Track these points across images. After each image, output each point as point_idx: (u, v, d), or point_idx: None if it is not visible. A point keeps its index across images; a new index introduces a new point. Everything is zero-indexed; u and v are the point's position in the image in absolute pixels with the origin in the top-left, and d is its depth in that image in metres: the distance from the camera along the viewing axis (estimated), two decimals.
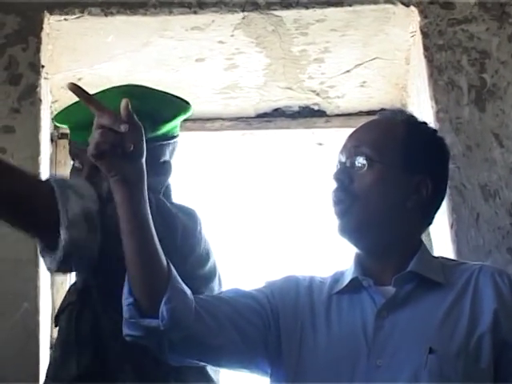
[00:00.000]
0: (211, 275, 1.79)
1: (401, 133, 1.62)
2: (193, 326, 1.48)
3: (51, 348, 2.43)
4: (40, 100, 2.46)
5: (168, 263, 1.49)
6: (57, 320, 1.78)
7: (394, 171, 1.57)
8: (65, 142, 2.44)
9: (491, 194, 2.33)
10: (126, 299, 1.47)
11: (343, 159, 1.61)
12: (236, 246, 2.76)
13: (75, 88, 1.42)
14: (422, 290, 1.54)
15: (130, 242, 1.45)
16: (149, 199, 1.47)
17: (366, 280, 1.56)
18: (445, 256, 1.85)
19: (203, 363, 1.59)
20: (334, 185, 1.59)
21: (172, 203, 1.76)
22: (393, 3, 2.55)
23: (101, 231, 1.58)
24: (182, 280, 1.51)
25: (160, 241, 1.48)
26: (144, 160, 1.44)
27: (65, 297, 1.80)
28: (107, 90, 1.81)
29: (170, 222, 1.66)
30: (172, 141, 1.83)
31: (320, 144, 2.86)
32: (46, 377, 1.75)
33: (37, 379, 2.21)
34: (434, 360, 1.44)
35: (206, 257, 1.78)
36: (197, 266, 1.73)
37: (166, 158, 1.82)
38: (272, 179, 2.92)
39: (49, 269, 1.63)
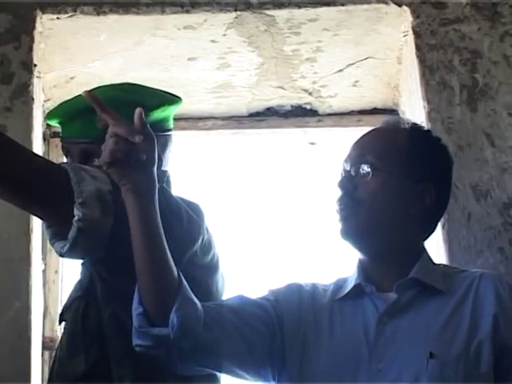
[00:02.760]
0: (214, 266, 1.79)
1: (405, 141, 1.63)
2: (202, 335, 1.48)
3: (43, 347, 2.42)
4: (32, 99, 2.45)
5: (178, 272, 1.50)
6: (61, 318, 1.78)
7: (398, 179, 1.59)
8: (57, 141, 2.44)
9: (483, 194, 2.34)
10: (135, 309, 1.48)
11: (348, 167, 1.62)
12: (228, 244, 2.76)
13: (90, 96, 1.45)
14: (424, 297, 1.55)
15: (140, 251, 1.47)
16: None
17: (369, 286, 1.58)
18: (443, 262, 1.86)
19: (210, 371, 1.59)
20: (338, 193, 1.60)
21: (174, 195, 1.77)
22: (385, 3, 2.55)
23: (113, 214, 1.58)
24: (185, 267, 1.51)
25: (166, 226, 1.49)
26: (155, 169, 1.46)
27: (70, 294, 1.79)
28: (97, 88, 1.81)
29: (176, 207, 1.68)
30: (162, 133, 1.82)
31: (312, 143, 2.86)
32: (51, 374, 1.74)
33: (28, 378, 2.21)
34: (434, 365, 1.45)
35: (209, 246, 1.79)
36: (200, 255, 1.74)
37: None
38: (264, 178, 2.92)
39: (59, 253, 1.62)
